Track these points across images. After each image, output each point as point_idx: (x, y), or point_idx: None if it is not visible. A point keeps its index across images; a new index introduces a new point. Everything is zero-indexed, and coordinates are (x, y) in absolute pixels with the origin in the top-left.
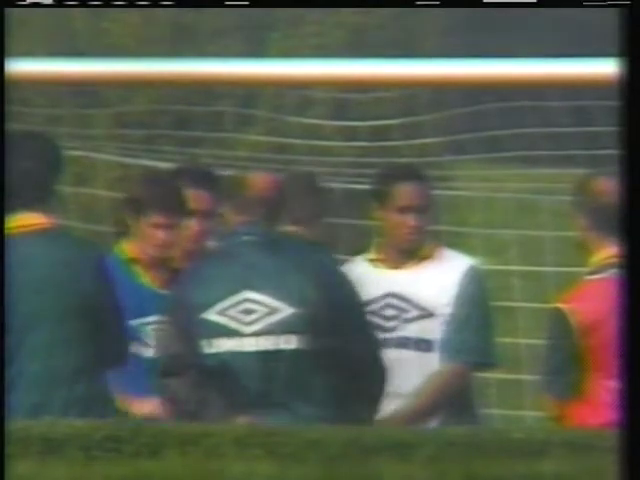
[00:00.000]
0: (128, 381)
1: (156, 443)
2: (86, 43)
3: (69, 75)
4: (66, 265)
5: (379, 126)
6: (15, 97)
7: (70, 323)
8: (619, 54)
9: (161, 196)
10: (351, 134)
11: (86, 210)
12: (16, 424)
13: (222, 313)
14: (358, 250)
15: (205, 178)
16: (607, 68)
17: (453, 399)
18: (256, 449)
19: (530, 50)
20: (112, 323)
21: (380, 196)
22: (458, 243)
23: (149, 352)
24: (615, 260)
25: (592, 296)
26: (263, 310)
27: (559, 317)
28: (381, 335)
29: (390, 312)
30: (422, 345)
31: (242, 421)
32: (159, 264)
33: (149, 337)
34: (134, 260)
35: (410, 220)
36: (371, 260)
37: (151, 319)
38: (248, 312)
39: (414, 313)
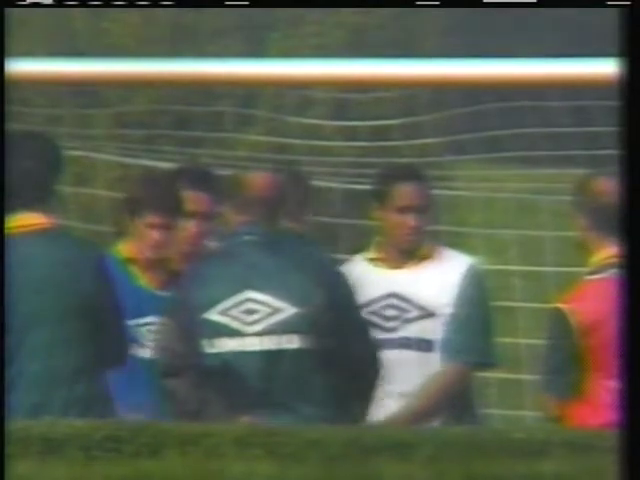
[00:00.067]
0: (125, 382)
1: (156, 443)
2: (86, 43)
3: (69, 75)
4: (66, 265)
5: (379, 126)
6: (15, 97)
7: (70, 323)
8: (619, 54)
9: (156, 196)
10: (351, 134)
11: (86, 210)
12: (16, 424)
13: (224, 313)
14: (358, 250)
15: (204, 179)
16: (607, 68)
17: (454, 399)
18: (256, 449)
19: (530, 50)
20: (112, 323)
21: (380, 196)
22: (458, 243)
23: (145, 353)
24: (615, 260)
25: (592, 296)
26: (265, 310)
27: (559, 317)
28: (382, 335)
29: (391, 312)
30: (423, 345)
31: (244, 421)
32: (156, 265)
33: (145, 338)
34: (131, 261)
35: (410, 220)
36: (371, 259)
37: (147, 320)
38: (250, 312)
39: (415, 313)
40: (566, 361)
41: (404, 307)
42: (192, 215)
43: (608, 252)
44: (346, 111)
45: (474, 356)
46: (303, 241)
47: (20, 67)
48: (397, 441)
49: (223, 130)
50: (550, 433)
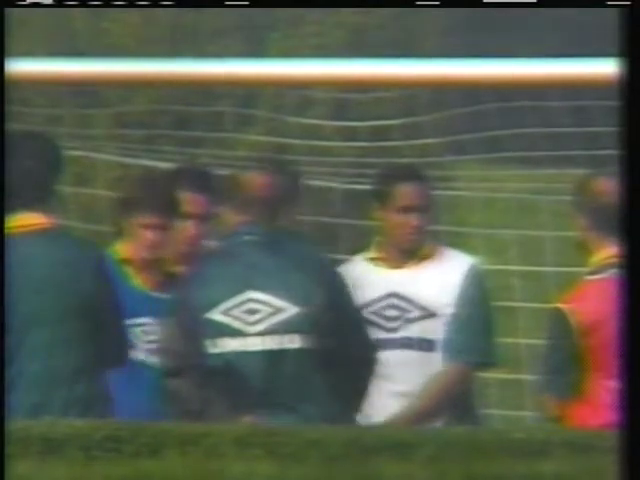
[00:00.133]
0: (121, 383)
1: (156, 443)
2: (86, 43)
3: (69, 75)
4: (66, 265)
5: (379, 126)
6: (15, 97)
7: (70, 323)
8: (619, 54)
9: (150, 196)
10: (351, 134)
11: (86, 210)
12: (16, 424)
13: (226, 313)
14: (358, 250)
15: (201, 180)
16: (607, 68)
17: (455, 399)
18: (256, 449)
19: (530, 50)
20: (112, 323)
21: (381, 196)
22: (458, 243)
23: (139, 354)
24: (615, 260)
25: (592, 296)
26: (267, 310)
27: (559, 317)
28: (383, 335)
29: (392, 312)
30: (425, 345)
31: (247, 421)
32: (151, 266)
33: (138, 339)
34: (126, 261)
35: (411, 220)
36: (372, 259)
37: (140, 321)
38: (252, 312)
39: (416, 313)
40: (566, 361)
41: (405, 307)
42: (189, 216)
43: (608, 252)
44: (346, 111)
45: (475, 356)
46: (301, 241)
47: (20, 67)
48: (397, 441)
49: (223, 130)
50: (550, 433)
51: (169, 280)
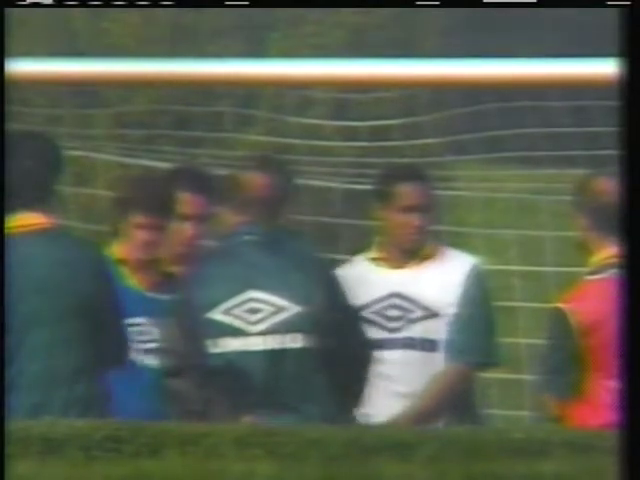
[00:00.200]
0: (118, 384)
1: (156, 443)
2: (86, 43)
3: (69, 75)
4: (66, 265)
5: (379, 126)
6: (15, 97)
7: (70, 323)
8: (619, 54)
9: (144, 196)
10: (351, 134)
11: (86, 210)
12: (16, 424)
13: (227, 313)
14: (358, 250)
15: (199, 181)
16: (607, 68)
17: (457, 399)
18: (256, 449)
19: (530, 50)
20: (112, 323)
21: (383, 196)
22: (458, 243)
23: (135, 354)
24: (615, 260)
25: (592, 296)
26: (268, 309)
27: (559, 317)
28: (385, 335)
29: (394, 312)
30: (427, 345)
31: (248, 420)
32: (146, 266)
33: (134, 339)
34: (121, 261)
35: (413, 220)
36: (373, 259)
37: (136, 321)
38: (253, 311)
39: (419, 313)
40: (566, 361)
41: (407, 307)
42: (186, 217)
43: (608, 252)
44: (346, 111)
45: (477, 356)
46: (300, 240)
47: (20, 67)
48: (397, 441)
49: (223, 130)
50: (550, 433)
51: (166, 280)
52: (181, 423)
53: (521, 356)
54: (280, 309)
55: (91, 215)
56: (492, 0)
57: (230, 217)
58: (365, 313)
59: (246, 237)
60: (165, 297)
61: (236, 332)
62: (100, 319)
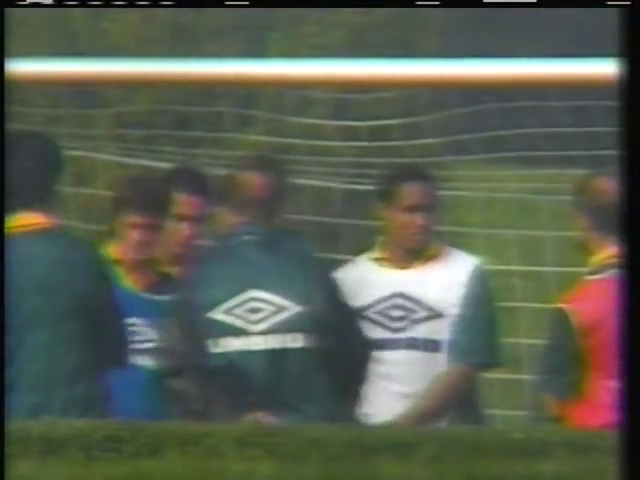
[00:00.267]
0: (116, 384)
1: (156, 443)
2: (86, 43)
3: (69, 75)
4: (66, 265)
5: (379, 126)
6: (15, 97)
7: (70, 323)
8: (619, 54)
9: (139, 196)
10: (351, 134)
11: (86, 210)
12: (16, 424)
13: (228, 312)
14: (358, 250)
15: (195, 182)
16: (607, 68)
17: (460, 400)
18: (256, 449)
19: (530, 50)
20: (112, 323)
21: (386, 195)
22: (458, 243)
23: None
24: (615, 260)
25: (593, 296)
26: (270, 308)
27: (560, 317)
28: (388, 335)
29: (397, 312)
30: (430, 346)
31: (257, 417)
32: (141, 266)
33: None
34: (116, 261)
35: (418, 219)
36: (377, 259)
37: (130, 322)
38: (254, 311)
39: (422, 314)
40: (566, 361)
41: (411, 307)
42: (183, 217)
43: (608, 252)
44: (346, 111)
45: (480, 357)
46: (299, 240)
47: (20, 67)
48: (397, 441)
49: (223, 130)
50: (550, 433)
51: (161, 281)
52: (181, 423)
53: (521, 356)
54: (281, 309)
55: (91, 215)
56: (492, 0)
57: (228, 217)
58: (368, 313)
59: (246, 237)
60: (160, 298)
61: (237, 332)
62: (100, 319)
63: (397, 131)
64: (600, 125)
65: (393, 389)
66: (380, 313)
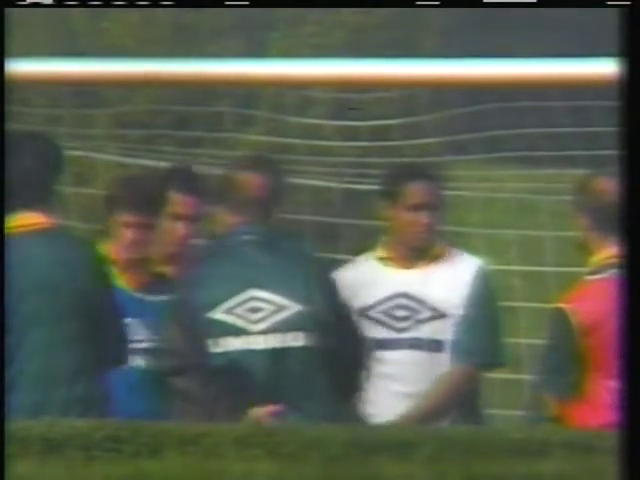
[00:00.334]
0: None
1: (156, 443)
2: (86, 43)
3: (69, 75)
4: (66, 265)
5: (379, 126)
6: (15, 97)
7: (70, 323)
8: (619, 54)
9: (131, 194)
10: (351, 134)
11: (86, 210)
12: (16, 424)
13: (229, 312)
14: (357, 250)
15: (190, 181)
16: (607, 68)
17: (462, 400)
18: (256, 449)
19: (530, 50)
20: (112, 323)
21: (391, 194)
22: (458, 243)
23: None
24: (615, 260)
25: (593, 296)
26: (270, 308)
27: (560, 317)
28: (392, 335)
29: (401, 312)
30: (434, 346)
31: (253, 416)
32: (134, 266)
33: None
34: (110, 261)
35: (423, 218)
36: (381, 259)
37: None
38: (255, 310)
39: (427, 314)
40: (566, 361)
41: (415, 307)
42: (178, 217)
43: (608, 252)
44: (346, 111)
45: (484, 357)
46: (298, 239)
47: (20, 67)
48: (397, 441)
49: (223, 130)
50: (550, 433)
51: (155, 281)
52: (181, 423)
53: (521, 356)
54: (281, 308)
55: (91, 215)
56: (492, 0)
57: (226, 217)
58: (372, 312)
59: (245, 237)
60: (153, 298)
61: (238, 331)
62: (100, 319)
63: (397, 131)
64: (600, 125)
65: (396, 389)
66: (384, 313)
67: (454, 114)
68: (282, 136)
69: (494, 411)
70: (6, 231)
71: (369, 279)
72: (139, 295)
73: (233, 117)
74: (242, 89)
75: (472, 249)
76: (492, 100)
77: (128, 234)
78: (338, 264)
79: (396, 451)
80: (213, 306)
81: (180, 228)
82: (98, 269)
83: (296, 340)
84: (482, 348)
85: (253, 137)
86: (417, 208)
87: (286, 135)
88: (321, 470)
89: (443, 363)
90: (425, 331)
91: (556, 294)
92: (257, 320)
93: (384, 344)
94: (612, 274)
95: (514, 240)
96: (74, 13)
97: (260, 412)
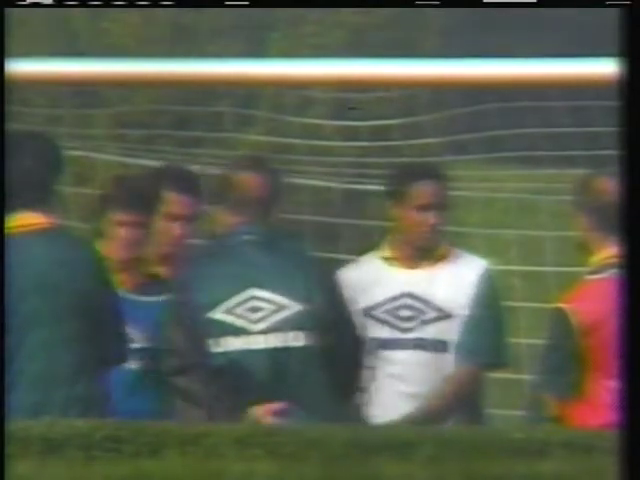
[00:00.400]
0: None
1: (156, 443)
2: (86, 43)
3: (69, 75)
4: (66, 265)
5: (379, 126)
6: (15, 97)
7: (70, 322)
8: (619, 54)
9: (125, 193)
10: (351, 134)
11: (86, 210)
12: (16, 424)
13: (229, 312)
14: (357, 250)
15: (186, 181)
16: (607, 68)
17: (466, 400)
18: (256, 449)
19: (530, 50)
20: (112, 323)
21: (398, 194)
22: (458, 243)
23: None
24: (615, 260)
25: (593, 296)
26: (270, 307)
27: (560, 317)
28: (396, 335)
29: (406, 313)
30: (439, 346)
31: (255, 415)
32: (128, 266)
33: None
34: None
35: (429, 218)
36: (386, 259)
37: None
38: (255, 310)
39: (432, 314)
40: (566, 361)
41: (420, 308)
42: (173, 217)
43: (608, 252)
44: (346, 111)
45: (488, 357)
46: (297, 239)
47: (20, 67)
48: (397, 441)
49: (223, 130)
50: (550, 433)
51: (149, 282)
52: (181, 423)
53: (521, 356)
54: (281, 307)
55: (91, 215)
56: (492, 0)
57: (225, 217)
58: (377, 312)
59: (245, 237)
60: (147, 299)
61: (238, 331)
62: (100, 318)
63: (397, 131)
64: (600, 125)
65: (400, 389)
66: (389, 313)
67: (454, 114)
68: (282, 136)
69: (494, 411)
70: (6, 231)
71: (374, 279)
72: (133, 296)
73: (233, 117)
74: (242, 89)
75: (472, 249)
76: (492, 100)
77: (122, 233)
78: (337, 264)
79: (396, 451)
80: (213, 306)
81: (175, 228)
82: (98, 269)
83: (296, 340)
84: (486, 348)
85: (253, 137)
86: (425, 208)
87: (286, 135)
88: (321, 470)
89: (448, 364)
90: (430, 331)
91: (556, 294)
92: (257, 320)
93: (389, 344)
94: (612, 274)
95: (514, 240)
96: (74, 13)
97: (263, 410)
